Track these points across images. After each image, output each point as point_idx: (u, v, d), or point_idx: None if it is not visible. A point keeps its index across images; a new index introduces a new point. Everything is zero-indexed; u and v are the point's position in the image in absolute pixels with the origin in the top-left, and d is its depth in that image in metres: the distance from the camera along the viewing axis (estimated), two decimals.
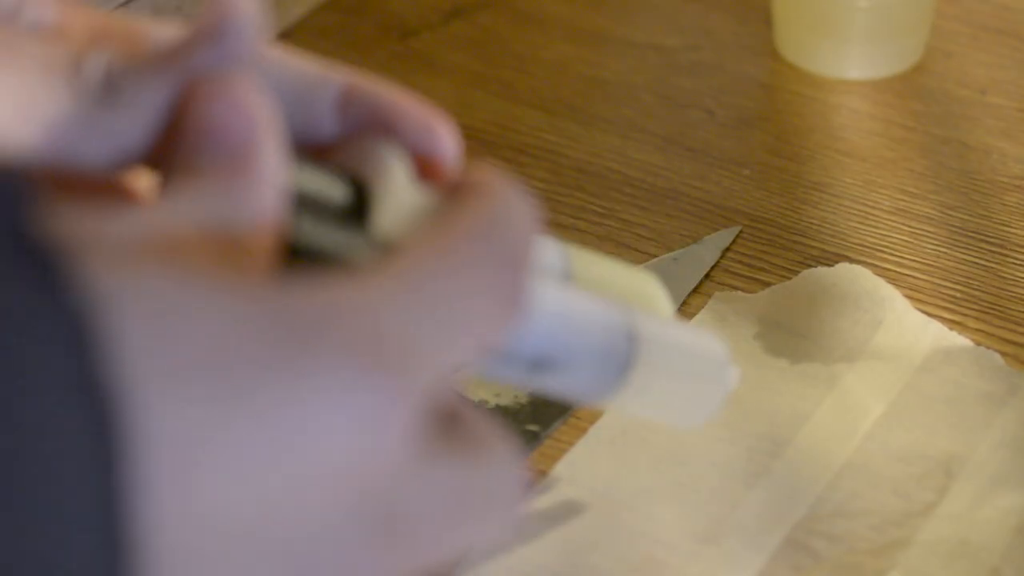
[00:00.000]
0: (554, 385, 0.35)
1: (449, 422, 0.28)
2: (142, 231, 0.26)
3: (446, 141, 0.33)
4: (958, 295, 0.58)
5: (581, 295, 0.35)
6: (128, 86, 0.29)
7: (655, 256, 0.61)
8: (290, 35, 0.75)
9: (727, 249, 0.61)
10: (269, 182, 0.28)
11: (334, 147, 0.33)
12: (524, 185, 0.30)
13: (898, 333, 0.56)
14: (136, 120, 0.29)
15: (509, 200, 0.30)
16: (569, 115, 0.69)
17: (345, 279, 0.26)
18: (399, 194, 0.31)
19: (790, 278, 0.59)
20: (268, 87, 0.31)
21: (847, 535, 0.48)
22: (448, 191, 0.31)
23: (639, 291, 0.40)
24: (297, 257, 0.30)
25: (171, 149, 0.29)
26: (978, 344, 0.55)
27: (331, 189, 0.31)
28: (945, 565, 0.47)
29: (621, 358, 0.36)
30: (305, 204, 0.30)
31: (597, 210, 0.64)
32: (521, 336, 0.33)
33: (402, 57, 0.74)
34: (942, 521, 0.49)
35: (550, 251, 0.36)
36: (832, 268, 0.59)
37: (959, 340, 0.55)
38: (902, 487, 0.50)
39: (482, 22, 0.76)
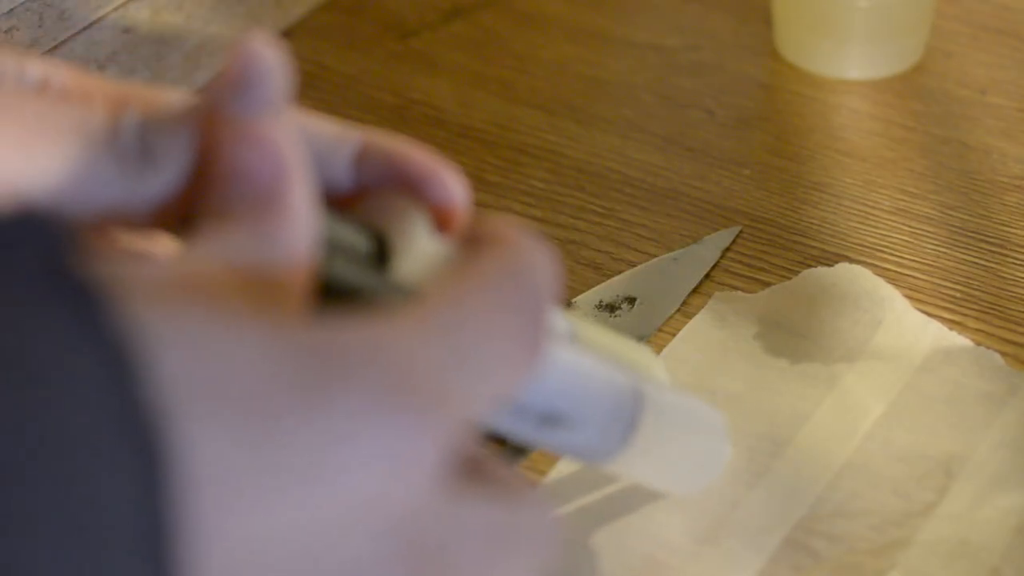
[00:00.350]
0: (561, 442, 0.36)
1: (474, 466, 0.29)
2: (177, 271, 0.26)
3: (457, 191, 0.34)
4: (958, 295, 0.58)
5: (590, 356, 0.36)
6: (161, 144, 0.30)
7: (655, 256, 0.61)
8: (290, 35, 0.75)
9: (727, 249, 0.61)
10: (300, 222, 0.29)
11: (351, 202, 0.34)
12: (540, 237, 0.31)
13: (898, 333, 0.56)
14: (169, 176, 0.30)
15: (529, 250, 0.30)
16: (569, 115, 0.69)
17: (376, 319, 0.27)
18: (418, 244, 0.32)
19: (790, 278, 0.59)
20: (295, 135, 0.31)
21: (847, 535, 0.48)
22: (467, 241, 0.31)
23: (637, 361, 0.40)
24: (328, 299, 0.30)
25: (199, 192, 0.30)
26: (978, 344, 0.55)
27: (355, 239, 0.32)
28: (945, 565, 0.47)
29: (627, 418, 0.37)
30: (333, 250, 0.31)
31: (597, 210, 0.64)
32: (533, 390, 0.34)
33: (402, 57, 0.74)
34: (942, 521, 0.49)
35: (557, 316, 0.37)
36: (832, 268, 0.59)
37: (959, 340, 0.55)
38: (902, 487, 0.50)
39: (482, 22, 0.76)
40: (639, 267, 0.60)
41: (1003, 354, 0.55)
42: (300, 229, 0.29)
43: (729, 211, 0.63)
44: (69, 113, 0.30)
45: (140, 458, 0.23)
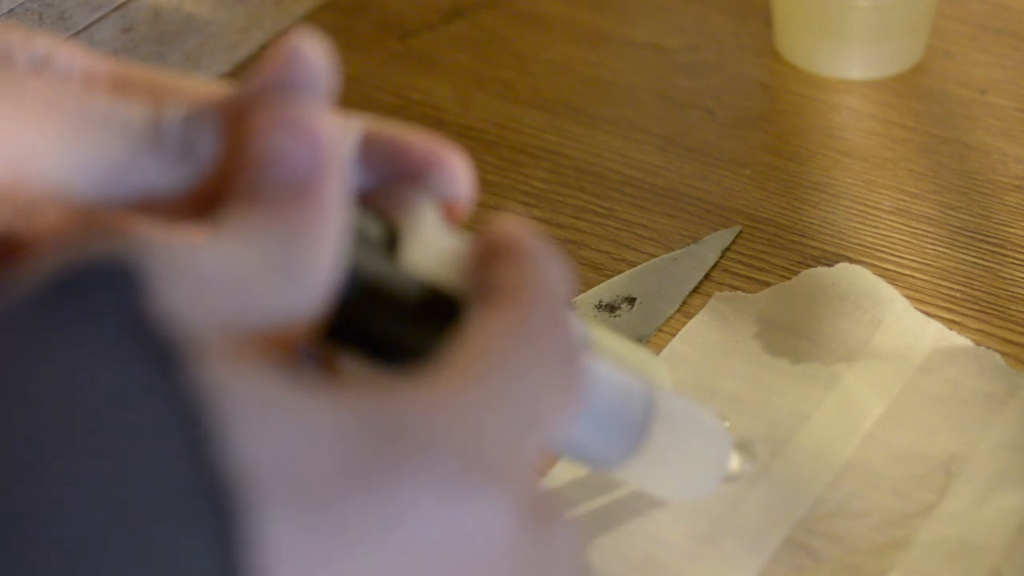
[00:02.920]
0: (571, 447, 0.36)
1: (532, 506, 0.29)
2: (216, 263, 0.26)
3: (463, 177, 0.34)
4: (958, 295, 0.58)
5: (606, 363, 0.36)
6: (201, 139, 0.30)
7: (655, 256, 0.61)
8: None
9: (727, 249, 0.61)
10: (333, 212, 0.28)
11: (361, 196, 0.34)
12: (549, 241, 0.31)
13: (898, 333, 0.56)
14: (208, 170, 0.30)
15: (549, 265, 0.30)
16: (569, 115, 0.69)
17: (434, 386, 0.27)
18: (428, 233, 0.32)
19: (790, 278, 0.59)
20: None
21: (847, 535, 0.48)
22: (480, 243, 0.31)
23: (642, 364, 0.40)
24: (350, 295, 0.30)
25: (222, 181, 0.30)
26: (978, 344, 0.55)
27: (370, 229, 0.31)
28: (945, 565, 0.47)
29: (639, 425, 0.37)
30: (352, 240, 0.31)
31: (597, 210, 0.64)
32: None
33: (402, 57, 0.74)
34: (942, 521, 0.49)
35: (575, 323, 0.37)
36: (832, 268, 0.59)
37: (959, 340, 0.55)
38: (902, 487, 0.50)
39: (482, 22, 0.76)
40: (639, 267, 0.60)
41: (1003, 354, 0.55)
42: (332, 220, 0.28)
43: (729, 211, 0.63)
44: (111, 106, 0.30)
45: (215, 525, 0.23)
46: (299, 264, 0.28)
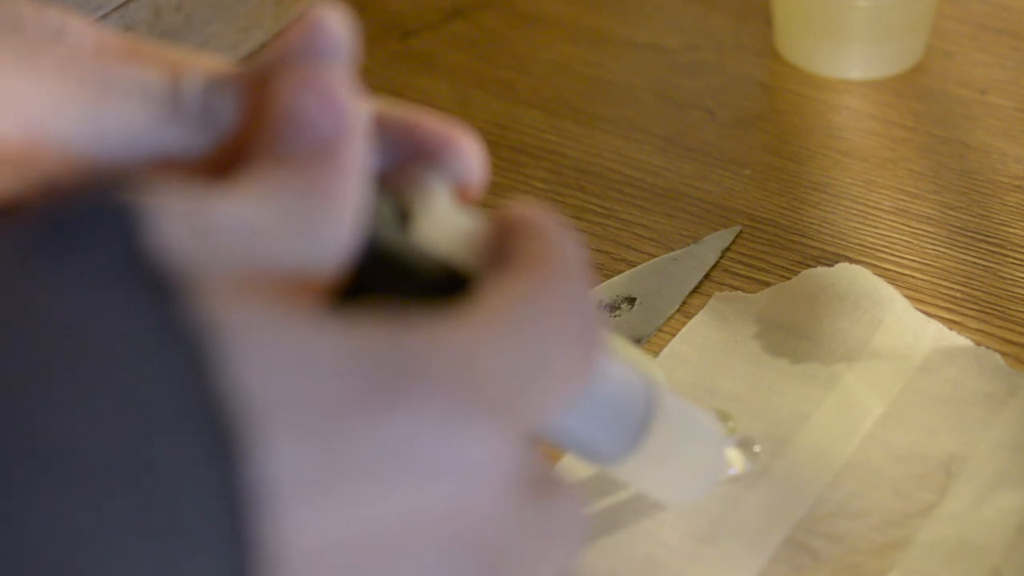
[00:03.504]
0: (573, 438, 0.36)
1: (531, 465, 0.29)
2: (229, 213, 0.26)
3: (474, 156, 0.33)
4: (958, 295, 0.58)
5: (609, 356, 0.36)
6: (223, 108, 0.30)
7: (655, 256, 0.61)
8: None
9: (727, 249, 0.61)
10: (354, 176, 0.28)
11: (375, 176, 0.34)
12: (565, 221, 0.31)
13: (898, 333, 0.56)
14: (227, 137, 0.30)
15: (567, 241, 0.30)
16: (569, 115, 0.69)
17: (443, 321, 0.27)
18: (441, 212, 0.32)
19: (790, 278, 0.59)
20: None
21: (847, 535, 0.48)
22: (495, 222, 0.31)
23: (639, 363, 0.40)
24: (367, 262, 0.30)
25: (246, 143, 0.29)
26: (978, 344, 0.55)
27: (384, 207, 0.31)
28: (945, 565, 0.47)
29: (640, 421, 0.37)
30: (369, 213, 0.31)
31: (597, 210, 0.64)
32: None
33: (402, 57, 0.74)
34: (942, 521, 0.49)
35: None
36: (832, 268, 0.59)
37: (959, 340, 0.55)
38: (902, 487, 0.50)
39: (482, 22, 0.76)
40: (639, 267, 0.60)
41: (1003, 354, 0.55)
42: (353, 183, 0.28)
43: (729, 211, 0.63)
44: (128, 72, 0.30)
45: (215, 451, 0.23)
46: (318, 224, 0.27)
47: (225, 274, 0.25)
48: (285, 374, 0.24)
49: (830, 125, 0.68)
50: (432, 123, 0.33)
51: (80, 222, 0.24)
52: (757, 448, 0.50)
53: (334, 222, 0.28)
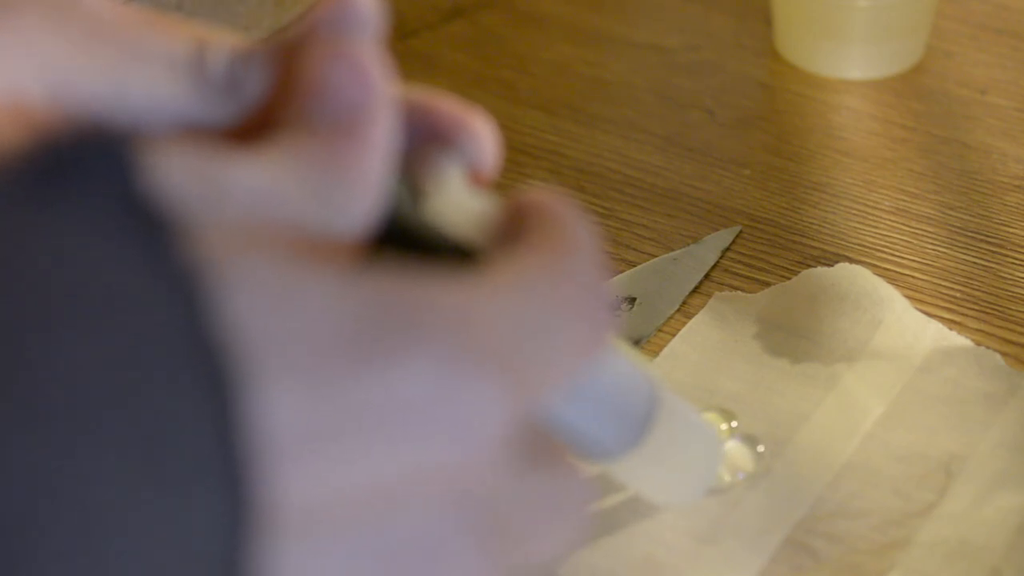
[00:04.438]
0: (574, 432, 0.36)
1: (531, 437, 0.28)
2: (247, 176, 0.26)
3: (487, 139, 0.33)
4: (958, 295, 0.58)
5: (613, 352, 0.36)
6: (250, 80, 0.30)
7: (655, 256, 0.61)
8: None
9: (727, 249, 0.61)
10: (380, 150, 0.28)
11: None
12: (580, 208, 0.31)
13: (898, 333, 0.56)
14: (252, 109, 0.30)
15: (581, 223, 0.30)
16: (569, 115, 0.69)
17: (451, 281, 0.26)
18: (455, 194, 0.32)
19: (790, 278, 0.59)
20: None
21: (847, 535, 0.48)
22: (512, 208, 0.31)
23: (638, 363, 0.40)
24: (381, 237, 0.30)
25: (271, 114, 0.29)
26: (978, 344, 0.55)
27: (398, 187, 0.31)
28: (945, 565, 0.47)
29: (642, 418, 0.37)
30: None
31: (597, 210, 0.63)
32: None
33: (402, 57, 0.74)
34: (942, 521, 0.49)
35: None
36: (832, 268, 0.59)
37: (959, 340, 0.55)
38: (902, 487, 0.50)
39: (482, 22, 0.76)
40: (639, 267, 0.60)
41: (1003, 354, 0.55)
42: (377, 162, 0.28)
43: (729, 211, 0.63)
44: (153, 39, 0.30)
45: (211, 393, 0.23)
46: (339, 195, 0.27)
47: (233, 226, 0.25)
48: (284, 317, 0.24)
49: (830, 125, 0.68)
50: (447, 105, 0.33)
51: (72, 162, 0.24)
52: (761, 448, 0.50)
53: (356, 196, 0.28)
